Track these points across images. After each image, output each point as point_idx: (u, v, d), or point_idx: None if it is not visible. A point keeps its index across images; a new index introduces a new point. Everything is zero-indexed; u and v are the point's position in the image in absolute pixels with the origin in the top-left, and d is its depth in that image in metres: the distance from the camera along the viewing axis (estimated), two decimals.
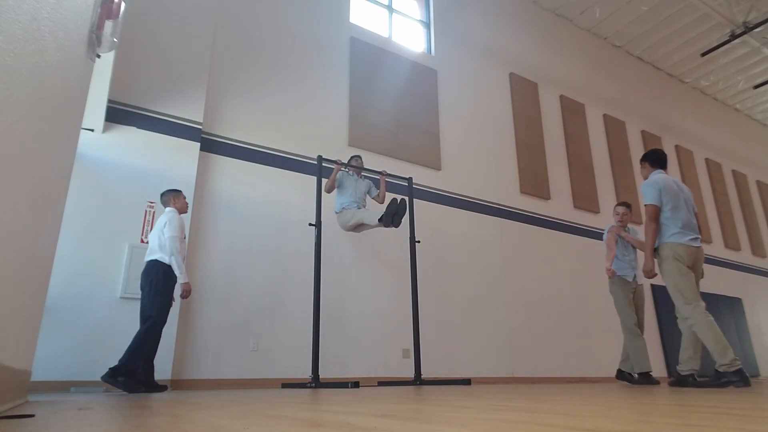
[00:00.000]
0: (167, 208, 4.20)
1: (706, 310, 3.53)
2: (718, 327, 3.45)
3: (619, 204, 4.86)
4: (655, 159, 4.03)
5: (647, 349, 4.40)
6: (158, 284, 3.90)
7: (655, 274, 3.75)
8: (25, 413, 1.57)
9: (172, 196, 4.25)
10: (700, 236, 3.75)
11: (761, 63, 11.56)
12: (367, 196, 5.55)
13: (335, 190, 5.42)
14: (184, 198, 4.34)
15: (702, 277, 3.81)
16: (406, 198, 5.28)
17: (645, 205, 3.78)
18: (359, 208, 5.27)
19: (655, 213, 3.72)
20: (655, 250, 3.76)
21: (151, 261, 3.96)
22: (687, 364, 3.70)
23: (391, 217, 4.80)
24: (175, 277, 3.97)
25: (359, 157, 5.60)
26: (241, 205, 5.43)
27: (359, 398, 2.29)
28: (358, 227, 5.31)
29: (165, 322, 3.90)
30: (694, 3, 9.51)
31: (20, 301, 1.81)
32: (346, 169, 5.48)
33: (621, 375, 4.62)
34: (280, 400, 2.26)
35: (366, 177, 5.63)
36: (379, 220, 4.85)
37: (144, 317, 3.87)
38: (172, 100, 5.18)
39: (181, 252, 4.05)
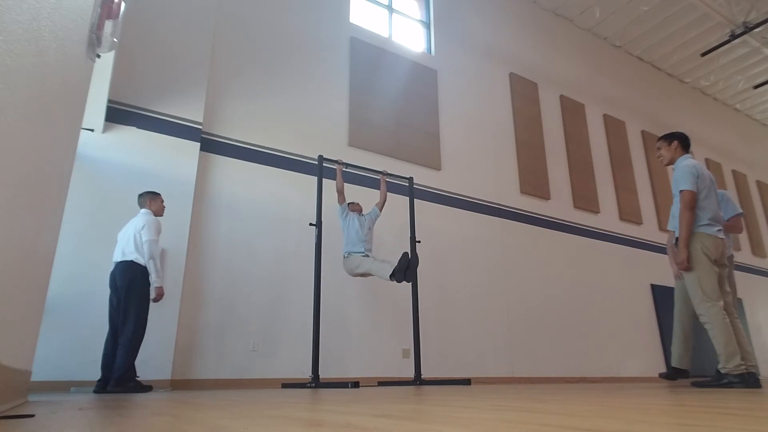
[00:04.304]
0: (143, 210, 4.20)
1: (724, 310, 3.38)
2: (731, 330, 3.34)
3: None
4: (687, 142, 3.78)
5: (685, 344, 3.82)
6: (141, 287, 3.93)
7: (689, 267, 3.46)
8: (25, 413, 1.57)
9: (149, 198, 4.24)
10: (723, 228, 3.57)
11: (761, 63, 11.56)
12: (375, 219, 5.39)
13: (341, 225, 5.29)
14: (162, 201, 4.33)
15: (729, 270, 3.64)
16: (417, 254, 5.14)
17: (680, 191, 3.54)
18: (367, 255, 5.04)
19: (693, 200, 3.49)
20: (676, 240, 3.56)
21: (127, 262, 3.94)
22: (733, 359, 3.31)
23: (404, 273, 4.59)
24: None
25: (357, 203, 5.49)
26: (241, 205, 5.43)
27: (359, 398, 2.29)
28: (366, 275, 5.13)
29: (146, 323, 3.95)
30: (694, 3, 9.51)
31: (20, 301, 1.81)
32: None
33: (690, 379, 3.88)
34: (280, 400, 2.26)
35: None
36: (390, 276, 4.64)
37: (121, 320, 3.86)
38: (172, 100, 5.18)
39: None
